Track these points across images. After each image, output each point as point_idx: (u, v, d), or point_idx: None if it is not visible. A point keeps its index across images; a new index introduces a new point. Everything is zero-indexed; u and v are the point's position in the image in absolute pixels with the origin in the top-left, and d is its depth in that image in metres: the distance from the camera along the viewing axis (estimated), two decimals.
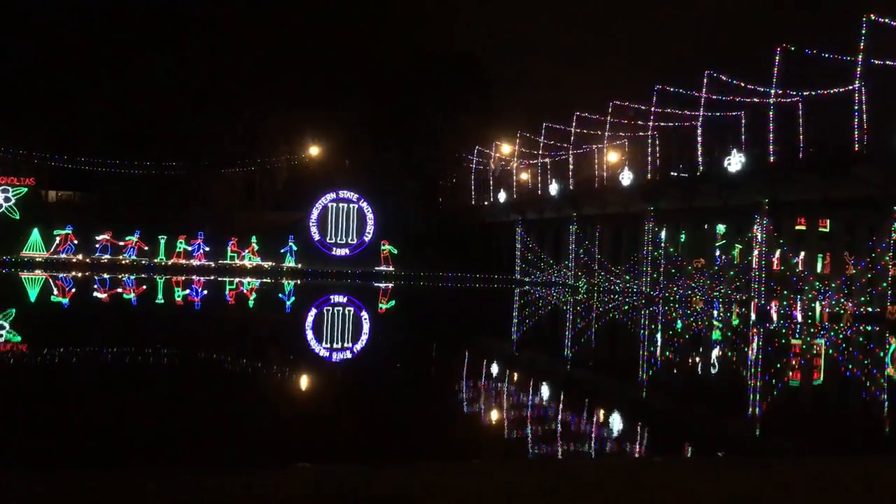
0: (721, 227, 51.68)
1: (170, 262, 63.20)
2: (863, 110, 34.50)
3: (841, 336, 32.79)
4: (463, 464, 8.81)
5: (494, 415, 14.64)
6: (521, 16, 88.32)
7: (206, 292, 45.03)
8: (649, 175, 51.00)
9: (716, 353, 26.63)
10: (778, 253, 45.40)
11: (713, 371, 22.49)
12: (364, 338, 26.86)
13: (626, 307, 45.02)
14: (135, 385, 15.70)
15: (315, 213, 68.29)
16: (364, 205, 68.86)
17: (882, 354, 28.05)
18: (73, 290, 43.32)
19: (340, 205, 68.83)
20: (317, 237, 67.91)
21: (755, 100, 40.50)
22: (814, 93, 36.99)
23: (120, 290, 43.68)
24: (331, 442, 11.42)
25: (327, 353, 21.82)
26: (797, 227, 45.65)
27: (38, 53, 72.62)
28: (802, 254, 46.83)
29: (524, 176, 68.09)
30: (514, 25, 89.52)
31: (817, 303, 41.14)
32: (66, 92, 72.11)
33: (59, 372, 17.28)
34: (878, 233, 38.77)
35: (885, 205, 37.33)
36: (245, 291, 47.11)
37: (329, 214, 68.53)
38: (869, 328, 35.24)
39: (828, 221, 46.32)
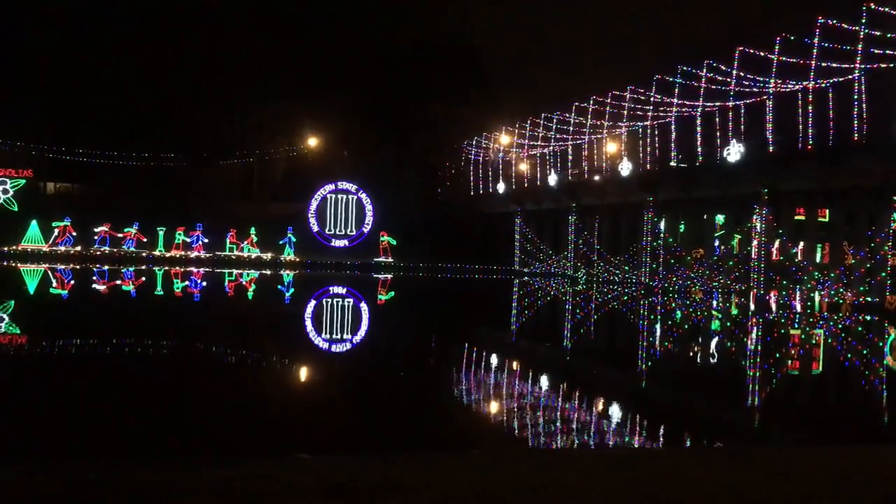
0: (720, 218, 51.68)
1: (168, 254, 63.19)
2: (862, 100, 34.49)
3: (840, 326, 32.81)
4: (463, 453, 8.80)
5: (493, 405, 14.64)
6: (520, 4, 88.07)
7: (204, 284, 45.03)
8: (648, 165, 50.99)
9: (715, 343, 26.65)
10: (777, 243, 45.43)
11: (712, 361, 22.51)
12: (363, 329, 26.88)
13: (626, 298, 45.03)
14: (134, 376, 15.70)
15: (314, 205, 68.22)
16: (363, 196, 68.78)
17: (881, 344, 28.08)
18: (72, 281, 43.30)
19: (339, 196, 68.75)
20: (316, 228, 67.86)
21: (755, 89, 40.44)
22: (813, 83, 36.91)
23: (119, 281, 43.67)
24: (331, 432, 11.42)
25: (326, 344, 21.82)
26: (796, 217, 45.67)
27: (36, 45, 72.41)
28: (802, 244, 46.86)
29: (523, 167, 68.05)
30: (513, 14, 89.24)
31: (816, 293, 41.16)
32: (64, 83, 71.94)
33: (57, 363, 17.27)
34: (878, 222, 38.76)
35: (885, 194, 37.32)
36: (244, 283, 47.11)
37: (328, 206, 68.45)
38: (868, 318, 35.27)
39: (827, 211, 46.32)
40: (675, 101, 45.96)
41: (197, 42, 74.82)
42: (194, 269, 55.86)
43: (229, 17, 75.36)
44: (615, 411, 14.65)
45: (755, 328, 31.24)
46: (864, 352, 25.55)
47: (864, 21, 33.92)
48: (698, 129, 45.76)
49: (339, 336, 24.20)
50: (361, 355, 21.03)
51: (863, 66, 34.34)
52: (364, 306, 35.29)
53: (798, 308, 39.32)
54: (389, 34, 79.06)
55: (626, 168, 52.25)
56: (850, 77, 34.92)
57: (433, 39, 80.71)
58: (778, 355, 23.81)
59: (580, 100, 55.51)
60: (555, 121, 58.94)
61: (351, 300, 38.21)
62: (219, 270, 56.56)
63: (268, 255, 64.67)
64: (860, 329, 32.33)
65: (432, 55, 79.54)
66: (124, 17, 74.19)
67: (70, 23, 73.24)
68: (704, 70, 43.25)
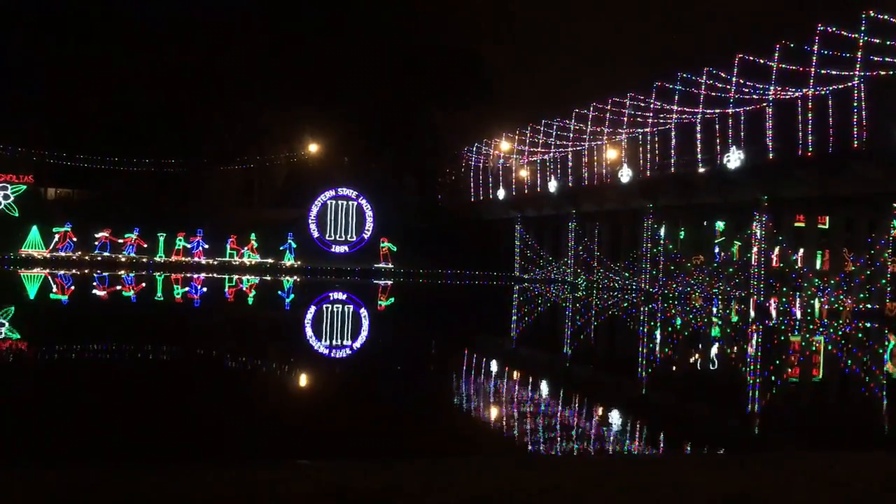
0: (720, 224, 51.72)
1: (169, 260, 63.20)
2: (862, 107, 34.55)
3: (840, 333, 32.81)
4: (463, 460, 8.82)
5: (493, 411, 14.65)
6: (522, 9, 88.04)
7: (205, 290, 45.03)
8: (648, 172, 51.06)
9: (715, 349, 26.65)
10: (777, 250, 45.46)
11: (712, 368, 22.51)
12: (363, 335, 26.87)
13: (626, 304, 45.03)
14: (133, 382, 15.70)
15: (314, 211, 68.26)
16: (363, 202, 68.82)
17: (881, 351, 28.08)
18: (73, 287, 43.30)
19: (339, 202, 68.79)
20: (316, 234, 67.89)
21: (755, 96, 40.51)
22: (813, 90, 36.98)
23: (119, 287, 43.67)
24: (330, 438, 11.43)
25: (326, 351, 21.83)
26: (796, 224, 45.69)
27: (37, 50, 72.56)
28: (801, 250, 46.86)
29: (523, 173, 68.14)
30: (514, 20, 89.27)
31: (816, 299, 41.16)
32: (64, 89, 72.00)
33: (58, 369, 17.28)
34: (877, 229, 38.80)
35: (885, 201, 37.36)
36: (244, 289, 47.11)
37: (328, 212, 68.50)
38: (868, 325, 35.27)
39: (827, 218, 46.35)
40: (675, 107, 46.04)
41: (198, 48, 74.94)
42: (194, 275, 55.86)
43: (231, 23, 75.51)
44: (615, 418, 14.65)
45: (755, 335, 31.23)
46: (865, 359, 25.55)
47: (863, 28, 34.00)
48: (698, 135, 45.83)
49: (338, 342, 24.20)
50: (361, 361, 21.03)
51: (862, 74, 34.41)
52: (364, 312, 35.29)
53: (798, 315, 39.31)
54: (391, 40, 79.18)
55: (626, 174, 52.32)
56: (850, 84, 34.98)
57: (434, 45, 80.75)
58: (778, 362, 23.82)
59: (580, 106, 55.63)
60: (555, 127, 59.03)
61: (351, 306, 38.21)
62: (219, 276, 56.56)
63: (268, 261, 64.69)
64: (860, 336, 32.32)
65: (433, 61, 79.64)
66: (126, 22, 74.36)
67: (71, 28, 73.40)
68: (704, 77, 43.33)
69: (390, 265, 65.97)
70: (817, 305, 40.73)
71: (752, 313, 39.48)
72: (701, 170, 45.98)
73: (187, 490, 6.57)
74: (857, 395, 18.78)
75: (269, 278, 57.35)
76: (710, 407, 16.38)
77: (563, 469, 8.43)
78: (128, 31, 73.94)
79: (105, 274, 53.13)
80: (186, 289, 44.46)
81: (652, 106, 47.90)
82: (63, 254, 61.90)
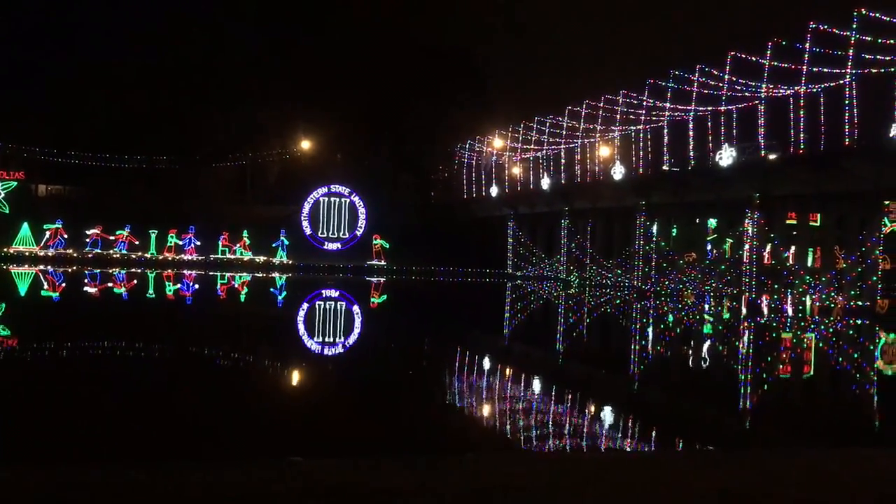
0: (712, 222, 51.81)
1: (161, 257, 63.00)
2: (854, 104, 34.65)
3: (831, 330, 32.93)
4: (458, 458, 8.80)
5: (486, 408, 14.65)
6: (516, 8, 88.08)
7: (197, 287, 44.92)
8: (641, 169, 51.11)
9: (707, 346, 26.71)
10: (769, 247, 45.53)
11: (704, 365, 22.56)
12: (356, 332, 26.85)
13: (618, 301, 45.10)
14: (124, 380, 15.65)
15: (307, 208, 68.12)
16: (356, 199, 68.71)
17: (872, 348, 28.20)
18: (64, 284, 43.12)
19: (332, 199, 68.67)
20: (308, 231, 67.75)
21: (747, 94, 40.58)
22: (805, 87, 37.07)
23: (110, 284, 43.51)
24: (323, 436, 11.41)
25: (319, 348, 21.79)
26: (788, 222, 45.78)
27: (30, 48, 72.26)
28: (793, 248, 46.97)
29: (516, 170, 68.11)
30: (507, 18, 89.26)
31: (808, 297, 41.28)
32: (56, 85, 71.66)
33: (47, 367, 17.20)
34: (869, 227, 38.91)
35: (876, 199, 37.48)
36: (236, 286, 47.00)
37: (321, 209, 68.37)
38: (859, 322, 35.41)
39: (818, 215, 46.47)
40: (668, 105, 46.08)
41: (192, 45, 74.69)
42: (186, 272, 55.71)
43: (225, 20, 75.33)
44: (607, 415, 14.67)
45: (747, 332, 31.32)
46: (855, 355, 25.66)
47: (855, 26, 34.10)
48: (691, 133, 45.90)
49: (330, 340, 24.17)
50: (353, 359, 21.00)
51: (854, 71, 34.51)
52: (356, 310, 35.25)
53: (790, 312, 39.44)
54: (385, 38, 79.08)
55: (618, 172, 52.37)
56: (842, 82, 35.08)
57: (428, 43, 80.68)
58: (769, 359, 23.89)
59: (573, 103, 55.63)
60: (548, 124, 59.03)
61: (343, 304, 38.16)
62: (211, 273, 56.41)
63: (260, 258, 64.55)
64: (851, 333, 32.45)
65: (427, 59, 79.56)
66: (119, 19, 74.14)
67: (64, 24, 73.12)
68: (697, 74, 43.38)
69: (383, 262, 65.92)
70: (808, 302, 40.84)
71: (744, 310, 39.58)
72: (693, 167, 46.05)
73: (178, 488, 6.54)
74: (848, 392, 18.86)
75: (261, 275, 57.22)
76: (703, 404, 16.42)
77: (557, 466, 8.43)
78: (121, 27, 73.71)
79: (96, 271, 52.93)
80: (178, 286, 44.33)
81: (645, 103, 47.95)
82: (54, 251, 61.64)
